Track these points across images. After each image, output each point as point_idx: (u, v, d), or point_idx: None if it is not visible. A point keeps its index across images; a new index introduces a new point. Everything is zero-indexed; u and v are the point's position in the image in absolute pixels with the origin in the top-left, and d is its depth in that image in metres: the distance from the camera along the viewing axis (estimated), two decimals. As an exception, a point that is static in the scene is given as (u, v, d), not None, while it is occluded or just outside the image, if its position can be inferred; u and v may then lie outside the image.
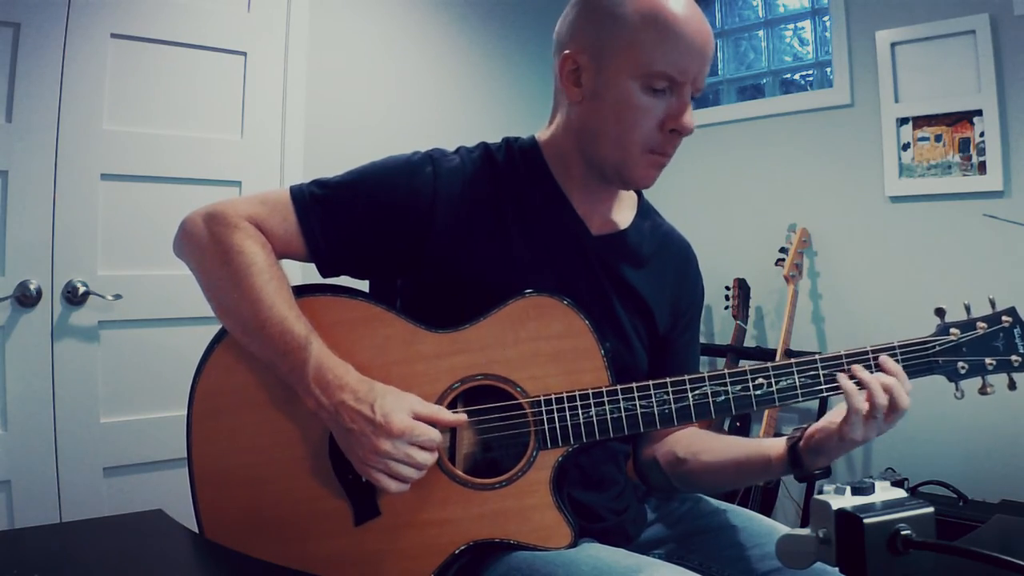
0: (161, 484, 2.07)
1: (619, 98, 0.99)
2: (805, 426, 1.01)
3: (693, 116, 1.01)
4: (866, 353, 1.00)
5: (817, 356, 1.00)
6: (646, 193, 1.21)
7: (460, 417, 0.97)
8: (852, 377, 0.96)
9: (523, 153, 1.11)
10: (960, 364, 1.01)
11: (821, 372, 0.99)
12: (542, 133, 1.12)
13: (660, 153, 1.02)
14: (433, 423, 0.94)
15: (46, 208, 1.95)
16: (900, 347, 1.01)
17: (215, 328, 1.04)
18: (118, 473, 2.06)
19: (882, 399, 0.93)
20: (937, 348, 1.01)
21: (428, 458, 0.93)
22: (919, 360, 1.00)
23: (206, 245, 1.01)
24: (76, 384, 1.99)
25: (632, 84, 0.98)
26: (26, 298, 1.92)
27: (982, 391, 1.01)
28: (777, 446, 1.03)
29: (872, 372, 0.97)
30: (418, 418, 0.93)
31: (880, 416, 0.94)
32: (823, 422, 0.99)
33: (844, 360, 0.99)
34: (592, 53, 1.01)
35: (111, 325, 2.06)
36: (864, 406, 0.93)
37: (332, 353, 0.96)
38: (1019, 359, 1.01)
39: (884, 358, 0.98)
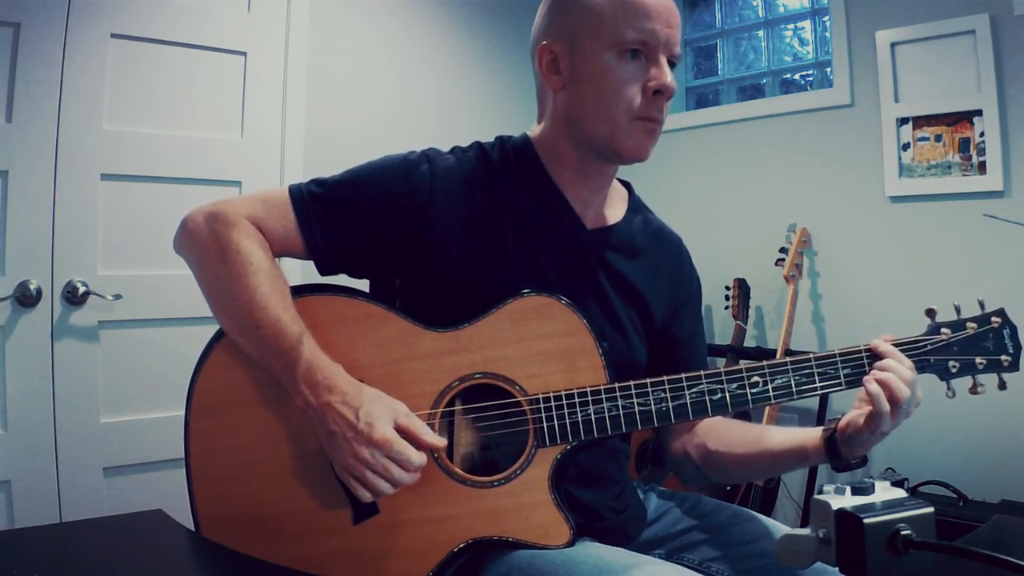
0: (161, 484, 2.07)
1: (598, 72, 1.02)
2: (837, 418, 1.01)
3: (675, 79, 1.04)
4: (859, 352, 1.01)
5: (811, 355, 1.01)
6: (643, 191, 1.22)
7: (439, 441, 0.96)
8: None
9: (516, 150, 1.12)
10: (951, 363, 1.03)
11: (815, 371, 1.00)
12: (533, 130, 1.13)
13: (648, 119, 1.03)
14: (412, 439, 0.93)
15: (46, 208, 1.95)
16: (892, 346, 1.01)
17: (215, 328, 1.04)
18: (118, 473, 2.06)
19: (884, 405, 0.94)
20: (928, 347, 1.03)
21: (404, 477, 0.92)
22: (911, 358, 1.01)
23: (205, 243, 1.02)
24: (76, 384, 1.99)
25: (607, 56, 1.01)
26: (26, 298, 1.92)
27: (972, 390, 1.03)
28: (813, 437, 1.03)
29: (869, 370, 0.99)
30: (399, 428, 0.92)
31: (897, 408, 0.95)
32: (852, 415, 0.99)
33: (838, 359, 1.00)
34: (565, 40, 1.05)
35: (111, 325, 2.06)
36: (885, 407, 0.95)
37: (324, 354, 0.96)
38: (1008, 359, 1.03)
39: (876, 342, 1.00)
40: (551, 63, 1.06)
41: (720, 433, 1.14)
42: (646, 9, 1.00)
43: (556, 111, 1.08)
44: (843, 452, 1.00)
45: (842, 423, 1.00)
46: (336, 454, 0.93)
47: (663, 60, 1.02)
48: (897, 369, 0.96)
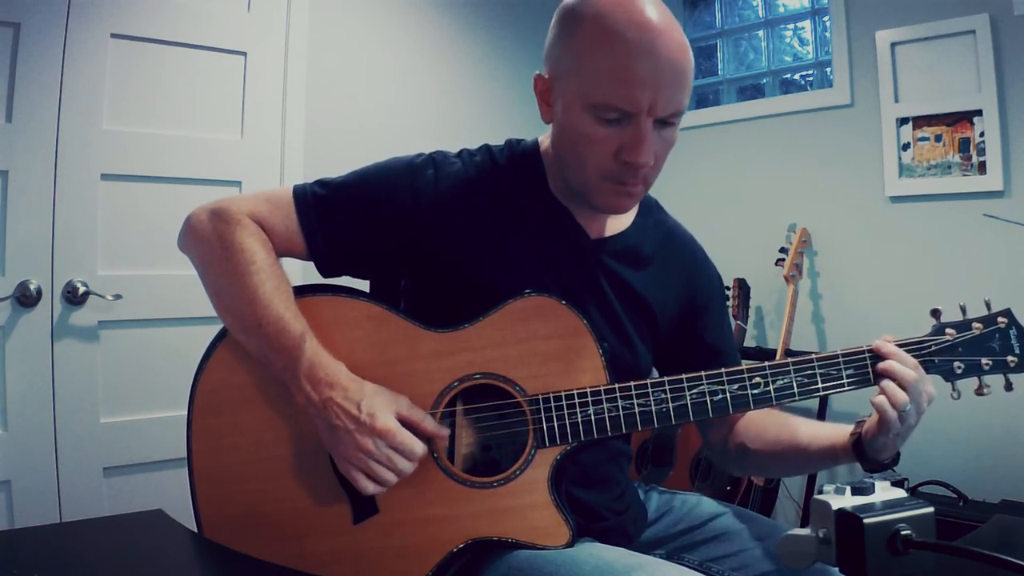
0: (161, 484, 2.07)
1: (573, 126, 0.96)
2: (863, 420, 1.01)
3: (668, 142, 0.97)
4: (862, 352, 1.00)
5: (813, 356, 1.01)
6: (650, 189, 1.21)
7: (442, 430, 0.97)
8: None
9: (523, 158, 1.11)
10: (956, 364, 1.02)
11: (818, 372, 1.00)
12: (544, 137, 1.12)
13: (620, 183, 0.97)
14: (415, 429, 0.94)
15: (46, 208, 1.95)
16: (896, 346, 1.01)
17: (215, 328, 1.04)
18: (118, 473, 2.06)
19: (891, 413, 0.94)
20: (933, 348, 1.02)
21: (407, 466, 0.93)
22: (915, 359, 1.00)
23: (208, 241, 1.02)
24: (76, 384, 1.99)
25: (583, 114, 0.94)
26: (26, 298, 1.92)
27: (978, 392, 1.02)
28: (842, 439, 1.03)
29: (871, 371, 0.99)
30: (401, 420, 0.93)
31: (904, 412, 0.95)
32: (871, 421, 0.99)
33: (840, 359, 1.00)
34: (554, 76, 0.99)
35: (111, 325, 2.06)
36: (892, 414, 0.95)
37: (326, 352, 0.97)
38: (1015, 360, 1.02)
39: (879, 343, 0.99)
40: (544, 93, 1.02)
41: (757, 431, 1.14)
42: (627, 74, 0.89)
43: (551, 136, 1.07)
44: (869, 455, 1.00)
45: (865, 427, 1.00)
46: (338, 448, 0.93)
47: (644, 125, 0.92)
48: (897, 372, 0.96)
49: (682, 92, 0.93)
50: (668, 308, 1.14)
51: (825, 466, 1.11)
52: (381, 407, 0.93)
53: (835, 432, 1.05)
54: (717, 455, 1.22)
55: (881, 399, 0.95)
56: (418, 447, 0.93)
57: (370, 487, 0.93)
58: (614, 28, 0.90)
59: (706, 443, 1.23)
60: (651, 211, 1.18)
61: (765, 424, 1.15)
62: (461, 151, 1.11)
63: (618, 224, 1.13)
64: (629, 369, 1.08)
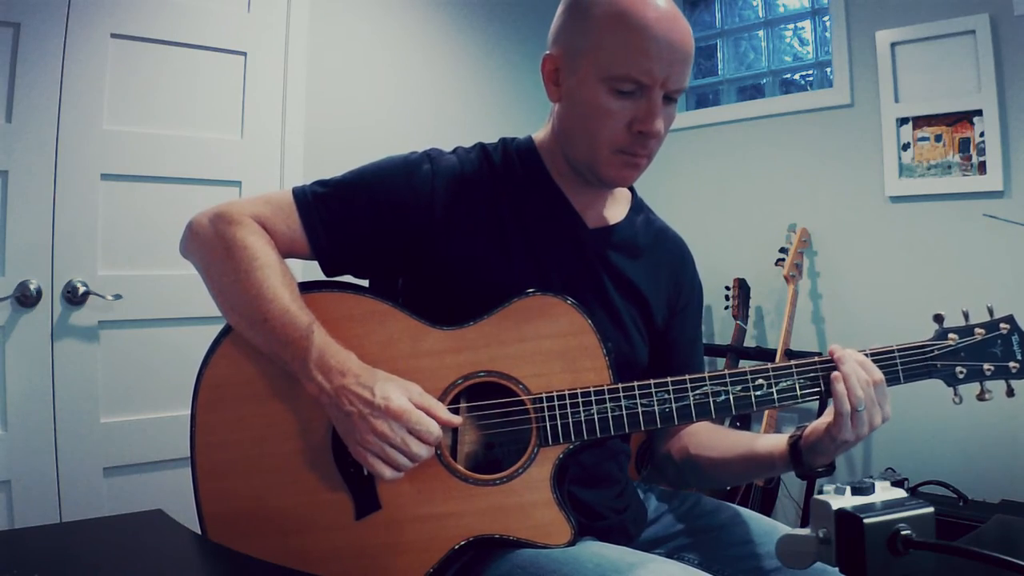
0: (161, 484, 2.07)
1: (587, 100, 1.01)
2: (805, 425, 1.02)
3: (670, 117, 1.02)
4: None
5: (816, 358, 1.01)
6: (643, 191, 1.23)
7: (455, 418, 0.97)
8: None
9: (519, 152, 1.12)
10: (958, 369, 1.02)
11: (820, 374, 1.00)
12: (539, 133, 1.14)
13: (630, 154, 1.02)
14: (428, 415, 0.94)
15: (46, 208, 1.95)
16: (899, 350, 1.02)
17: (215, 327, 1.04)
18: (118, 473, 2.06)
19: (845, 405, 0.95)
20: (935, 352, 1.02)
21: (423, 451, 0.93)
22: (917, 364, 1.01)
23: (210, 242, 1.02)
24: (76, 384, 1.99)
25: (598, 86, 1.00)
26: (26, 298, 1.92)
27: (980, 397, 1.02)
28: (780, 444, 1.04)
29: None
30: (415, 406, 0.93)
31: (859, 414, 0.95)
32: (817, 422, 1.00)
33: None
34: (566, 55, 1.04)
35: (111, 325, 2.06)
36: (846, 406, 0.95)
37: (335, 341, 0.97)
38: (1017, 366, 1.02)
39: (836, 353, 0.99)
40: (552, 73, 1.06)
41: (701, 438, 1.15)
42: (646, 47, 0.97)
43: (554, 120, 1.09)
44: (805, 459, 1.00)
45: (807, 430, 1.01)
46: (353, 434, 0.93)
47: (657, 98, 0.99)
48: (870, 367, 0.97)
49: (687, 71, 1.02)
50: (660, 301, 1.15)
51: (761, 472, 1.11)
52: (395, 391, 0.93)
53: (774, 438, 1.06)
54: (663, 467, 1.21)
55: (841, 388, 0.95)
56: (434, 428, 0.93)
57: (387, 472, 0.93)
58: (632, 9, 0.98)
59: (653, 455, 1.23)
60: (641, 209, 1.20)
61: (709, 432, 1.16)
62: (456, 148, 1.13)
63: (613, 216, 1.15)
64: (628, 362, 1.09)
